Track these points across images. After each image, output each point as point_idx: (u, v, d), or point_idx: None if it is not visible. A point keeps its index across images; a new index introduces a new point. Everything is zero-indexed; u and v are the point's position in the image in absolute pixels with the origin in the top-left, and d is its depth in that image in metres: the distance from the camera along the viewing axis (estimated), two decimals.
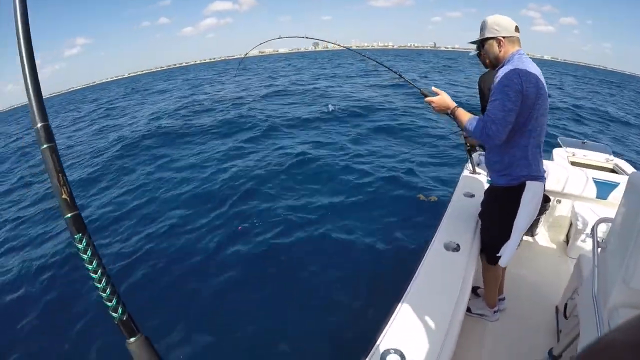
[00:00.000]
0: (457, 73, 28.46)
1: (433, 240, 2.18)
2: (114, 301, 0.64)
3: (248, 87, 21.83)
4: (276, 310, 3.46)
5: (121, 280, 4.06)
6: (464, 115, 1.94)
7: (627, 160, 4.21)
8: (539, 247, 3.35)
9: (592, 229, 1.90)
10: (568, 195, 3.39)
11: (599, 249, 1.80)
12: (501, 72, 1.76)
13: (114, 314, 0.65)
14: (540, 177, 1.93)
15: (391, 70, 2.55)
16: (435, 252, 2.07)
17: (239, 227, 3.96)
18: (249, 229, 4.91)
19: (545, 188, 3.11)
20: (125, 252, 4.78)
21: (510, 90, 1.68)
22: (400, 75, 2.51)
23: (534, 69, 1.76)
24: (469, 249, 2.10)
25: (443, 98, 2.02)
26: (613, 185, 3.26)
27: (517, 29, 1.87)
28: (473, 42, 2.05)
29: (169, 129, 11.61)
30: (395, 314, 1.64)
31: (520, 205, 1.91)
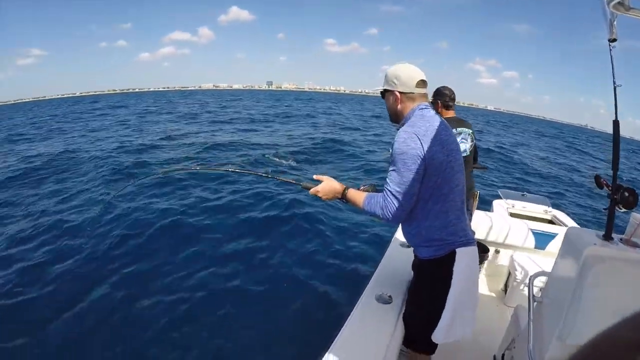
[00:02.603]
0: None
1: (365, 290, 2.12)
2: None
3: None
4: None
5: None
6: (358, 197, 1.74)
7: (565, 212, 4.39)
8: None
9: (529, 282, 1.88)
10: (507, 245, 3.44)
11: (535, 303, 1.79)
12: (398, 136, 1.59)
13: None
14: (470, 241, 1.68)
15: (262, 175, 2.30)
16: (365, 303, 1.99)
17: None
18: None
19: (485, 238, 3.40)
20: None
21: (408, 157, 1.52)
22: (274, 177, 2.21)
23: (438, 125, 1.60)
24: (402, 301, 2.01)
25: (328, 184, 1.81)
26: (551, 236, 3.34)
27: (420, 84, 1.68)
28: (378, 90, 1.82)
29: None
30: None
31: (453, 278, 1.62)
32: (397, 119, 1.75)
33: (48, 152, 13.38)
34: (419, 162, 1.52)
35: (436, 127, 1.58)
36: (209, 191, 7.94)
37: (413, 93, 1.68)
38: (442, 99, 2.96)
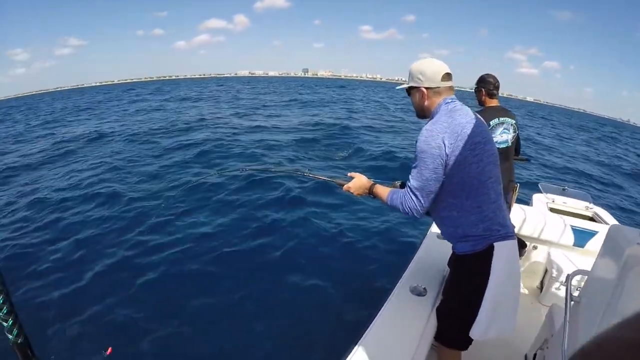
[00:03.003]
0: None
1: (400, 281, 2.12)
2: (9, 322, 0.64)
3: None
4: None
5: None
6: (383, 191, 1.83)
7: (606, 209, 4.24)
8: None
9: (567, 281, 1.82)
10: (545, 241, 3.35)
11: (572, 303, 1.73)
12: (420, 134, 1.59)
13: (8, 336, 0.65)
14: (509, 234, 1.64)
15: (300, 173, 2.44)
16: (400, 294, 2.01)
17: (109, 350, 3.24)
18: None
19: (522, 233, 3.31)
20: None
21: (427, 156, 1.54)
22: (311, 175, 2.32)
23: (462, 118, 1.58)
24: (436, 294, 2.02)
25: (359, 180, 1.93)
26: (591, 234, 3.23)
27: (446, 77, 1.67)
28: (402, 88, 1.83)
29: None
30: (350, 357, 1.59)
31: (491, 273, 1.58)
32: (425, 114, 1.75)
33: (83, 134, 14.41)
34: (438, 160, 1.53)
35: (460, 122, 1.56)
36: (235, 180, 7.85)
37: (439, 87, 1.67)
38: (486, 86, 2.93)
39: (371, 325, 1.75)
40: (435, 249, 2.53)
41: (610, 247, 1.60)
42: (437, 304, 1.91)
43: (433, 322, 1.83)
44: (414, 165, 1.61)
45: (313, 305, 3.78)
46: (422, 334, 1.72)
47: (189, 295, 3.92)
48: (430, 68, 1.67)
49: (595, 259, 1.74)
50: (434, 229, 2.77)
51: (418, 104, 1.74)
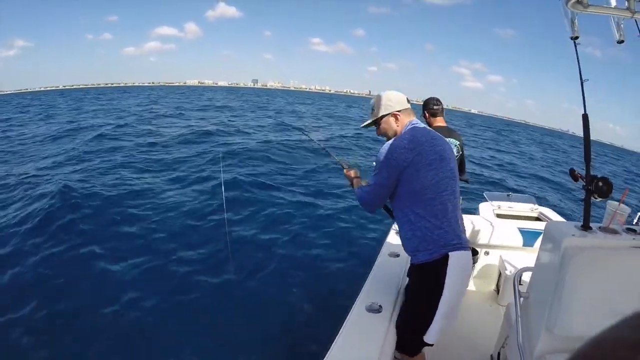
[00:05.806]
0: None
1: (356, 301, 2.14)
2: None
3: None
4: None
5: None
6: (357, 183, 2.17)
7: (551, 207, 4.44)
8: (471, 297, 3.34)
9: (514, 279, 1.92)
10: (495, 246, 3.48)
11: (522, 299, 1.86)
12: (383, 147, 1.81)
13: None
14: (462, 245, 1.75)
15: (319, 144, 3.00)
16: (357, 313, 2.01)
17: None
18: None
19: (473, 241, 3.33)
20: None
21: (384, 165, 1.76)
22: (324, 148, 2.96)
23: (422, 136, 1.78)
24: (391, 311, 2.04)
25: (355, 170, 2.27)
26: (538, 233, 3.25)
27: (408, 100, 1.94)
28: (368, 125, 2.04)
29: None
30: None
31: (446, 282, 1.68)
32: (395, 136, 1.89)
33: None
34: (392, 171, 1.74)
35: (419, 139, 1.76)
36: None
37: (407, 108, 1.92)
38: (427, 107, 3.08)
39: (331, 347, 1.73)
40: (388, 267, 2.56)
41: (549, 241, 1.73)
42: (393, 319, 1.95)
43: (391, 337, 1.86)
44: (373, 171, 1.86)
45: (268, 325, 3.64)
46: (381, 350, 1.72)
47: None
48: (394, 95, 1.93)
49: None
50: (385, 247, 2.85)
51: (391, 128, 1.90)
